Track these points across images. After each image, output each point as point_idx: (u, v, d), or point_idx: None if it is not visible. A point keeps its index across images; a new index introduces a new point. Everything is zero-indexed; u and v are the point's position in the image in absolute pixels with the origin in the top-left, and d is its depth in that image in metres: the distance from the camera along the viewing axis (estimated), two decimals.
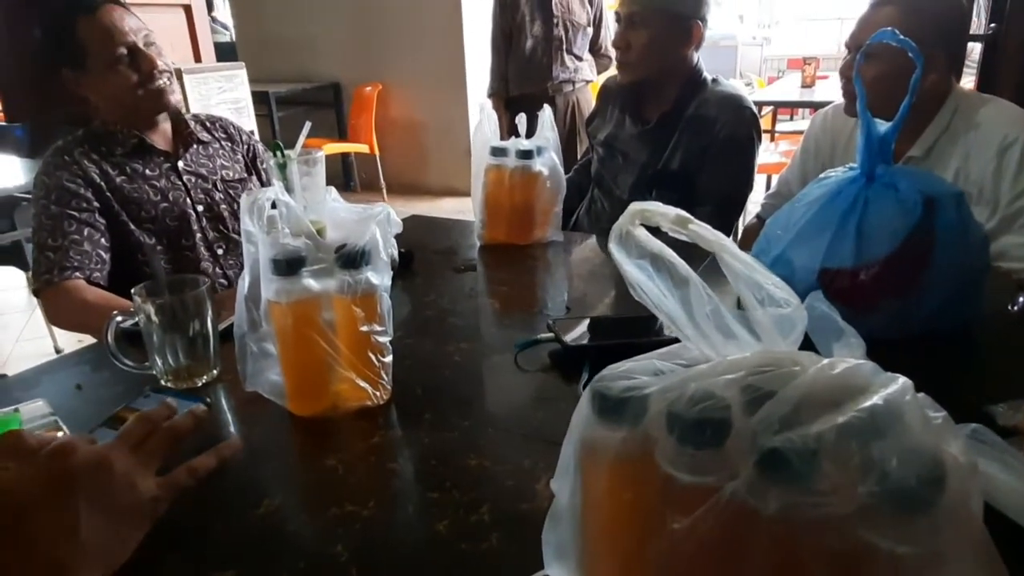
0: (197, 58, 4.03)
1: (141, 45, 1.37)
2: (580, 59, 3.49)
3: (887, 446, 0.39)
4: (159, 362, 0.95)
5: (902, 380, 0.42)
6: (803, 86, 4.73)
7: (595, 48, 3.56)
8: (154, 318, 0.93)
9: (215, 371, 0.97)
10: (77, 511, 0.54)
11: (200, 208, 1.51)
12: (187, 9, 3.88)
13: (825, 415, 0.40)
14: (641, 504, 0.47)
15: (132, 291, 0.93)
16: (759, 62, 9.50)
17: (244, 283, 0.83)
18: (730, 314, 0.49)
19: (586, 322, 1.05)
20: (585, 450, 0.49)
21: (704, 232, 0.50)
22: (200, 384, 0.95)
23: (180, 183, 1.49)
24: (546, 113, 1.45)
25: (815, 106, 4.86)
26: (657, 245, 0.50)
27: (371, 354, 0.85)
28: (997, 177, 1.27)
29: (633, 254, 0.50)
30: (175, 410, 0.67)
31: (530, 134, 1.46)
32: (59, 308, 1.35)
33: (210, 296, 0.95)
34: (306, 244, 0.82)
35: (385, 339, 0.85)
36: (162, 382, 0.96)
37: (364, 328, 0.83)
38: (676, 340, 0.99)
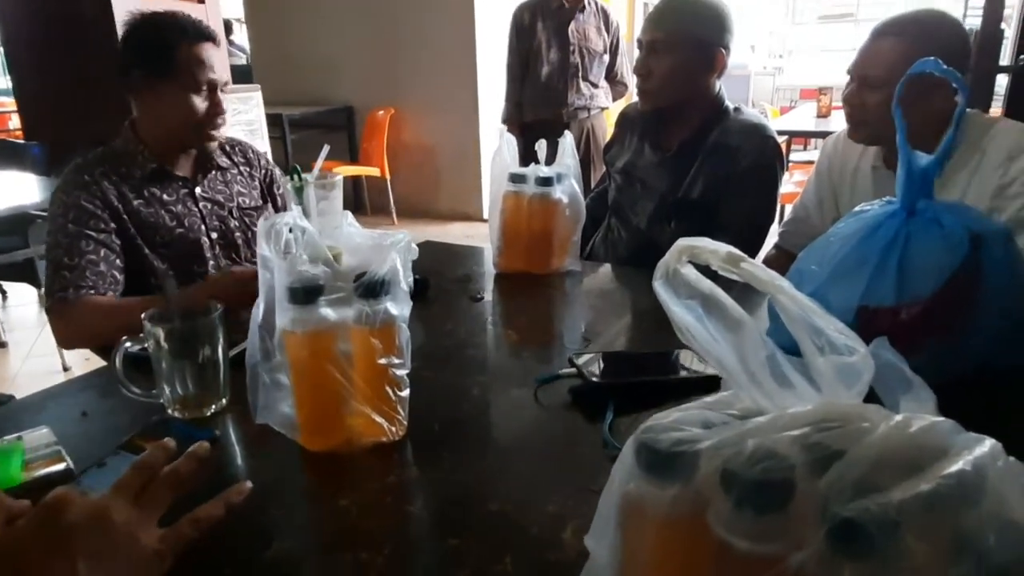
0: None
1: (219, 88, 1.41)
2: (596, 86, 3.49)
3: (979, 519, 0.35)
4: (167, 390, 0.91)
5: (990, 443, 0.38)
6: (818, 116, 4.71)
7: (611, 75, 3.56)
8: (163, 344, 0.90)
9: (224, 400, 0.94)
10: (76, 572, 0.50)
11: (214, 235, 1.49)
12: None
13: (904, 481, 0.36)
14: (691, 570, 0.42)
15: (143, 316, 0.90)
16: (772, 91, 9.53)
17: (258, 311, 0.80)
18: (787, 361, 0.45)
19: (607, 357, 1.01)
20: (628, 507, 0.45)
21: (758, 272, 0.46)
22: (208, 414, 0.92)
23: (196, 209, 1.47)
24: (567, 140, 1.42)
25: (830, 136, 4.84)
26: (707, 285, 0.47)
27: (388, 388, 0.81)
28: (1003, 185, 1.23)
29: (681, 294, 0.47)
30: (173, 451, 0.62)
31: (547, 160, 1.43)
32: (71, 325, 1.33)
33: (222, 323, 0.92)
34: (324, 272, 0.79)
35: (403, 372, 0.82)
36: (169, 411, 0.92)
37: (382, 360, 0.80)
38: (703, 378, 0.95)
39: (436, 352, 1.10)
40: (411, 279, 0.83)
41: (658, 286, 0.47)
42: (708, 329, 0.46)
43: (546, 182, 1.39)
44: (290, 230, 0.81)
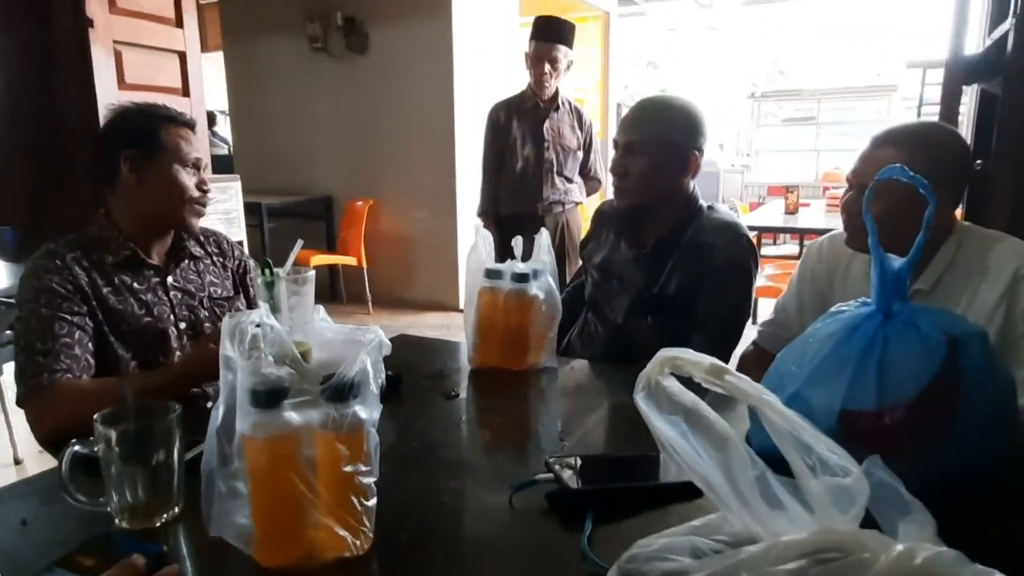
0: None
1: (202, 167, 1.46)
2: (570, 181, 3.56)
3: None
4: (115, 497, 0.85)
5: None
6: (787, 212, 4.86)
7: (585, 171, 3.65)
8: (115, 447, 0.85)
9: (177, 508, 0.88)
10: None
11: (183, 325, 1.46)
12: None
13: None
14: None
15: (94, 417, 0.85)
16: (740, 187, 9.88)
17: (218, 413, 0.76)
18: (777, 481, 0.43)
19: (585, 460, 0.97)
20: None
21: (743, 385, 0.44)
22: (158, 524, 0.85)
23: (166, 299, 1.45)
24: (543, 236, 1.42)
25: (798, 232, 5.00)
26: (690, 398, 0.44)
27: (353, 497, 0.76)
28: (1011, 304, 1.22)
29: (664, 408, 0.44)
30: (143, 573, 0.56)
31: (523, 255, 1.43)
32: (49, 412, 1.27)
33: (179, 426, 0.87)
34: (289, 373, 0.75)
35: (370, 480, 0.77)
36: (117, 520, 0.86)
37: (348, 468, 0.75)
38: (686, 485, 0.91)
39: (407, 454, 1.05)
40: (383, 377, 0.80)
41: (640, 400, 0.45)
42: (693, 446, 0.43)
43: (522, 278, 1.38)
44: (258, 325, 0.78)
